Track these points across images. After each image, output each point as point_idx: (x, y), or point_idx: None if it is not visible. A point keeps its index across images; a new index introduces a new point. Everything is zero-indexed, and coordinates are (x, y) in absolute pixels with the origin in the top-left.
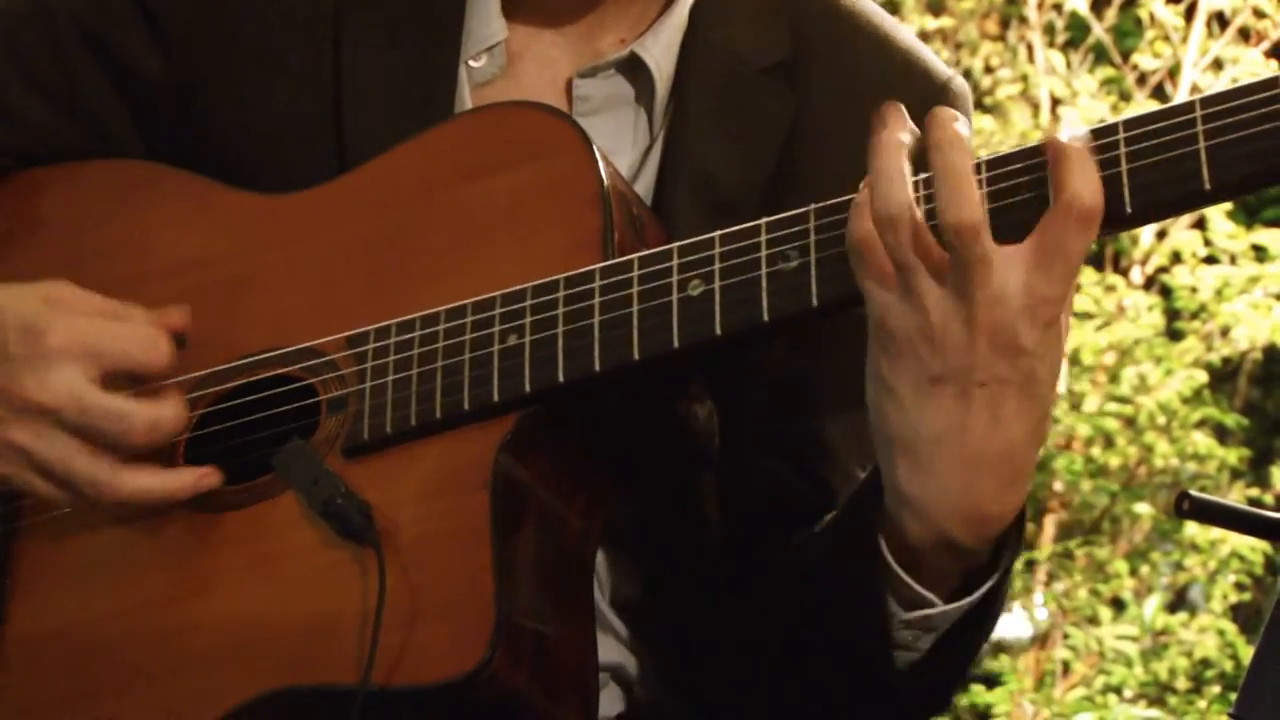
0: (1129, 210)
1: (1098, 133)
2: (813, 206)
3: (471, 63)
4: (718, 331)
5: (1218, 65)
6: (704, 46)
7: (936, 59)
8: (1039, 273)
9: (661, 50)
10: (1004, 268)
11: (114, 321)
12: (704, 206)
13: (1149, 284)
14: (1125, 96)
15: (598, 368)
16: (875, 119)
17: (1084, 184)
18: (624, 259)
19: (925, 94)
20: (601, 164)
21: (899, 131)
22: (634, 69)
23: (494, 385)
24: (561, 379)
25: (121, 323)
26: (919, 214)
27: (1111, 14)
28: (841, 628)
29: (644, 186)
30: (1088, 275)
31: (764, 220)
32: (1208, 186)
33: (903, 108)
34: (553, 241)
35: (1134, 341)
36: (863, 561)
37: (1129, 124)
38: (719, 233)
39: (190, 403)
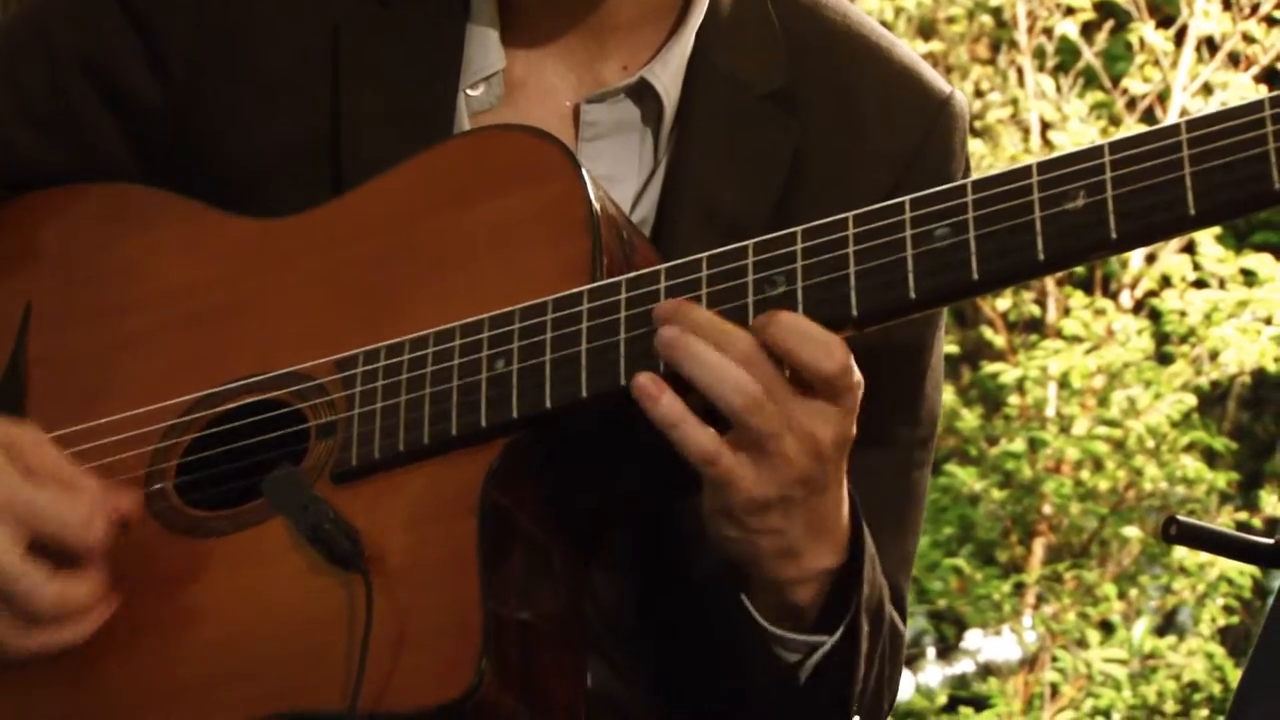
0: (1114, 237)
1: (1083, 155)
2: (800, 228)
3: (470, 91)
4: None
5: (1207, 90)
6: (708, 72)
7: (936, 76)
8: (831, 399)
9: (670, 77)
10: (808, 400)
11: (58, 493)
12: (708, 232)
13: (1138, 308)
14: (1115, 121)
15: (585, 394)
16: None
17: (814, 357)
18: (612, 281)
19: (925, 111)
20: (591, 187)
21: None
22: (642, 95)
23: (482, 413)
24: (549, 405)
25: (65, 497)
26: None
27: (1102, 38)
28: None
29: (647, 211)
30: (1077, 299)
31: (751, 242)
32: (1192, 212)
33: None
34: (542, 265)
35: (1123, 365)
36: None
37: (1115, 146)
38: (706, 254)
39: (181, 427)
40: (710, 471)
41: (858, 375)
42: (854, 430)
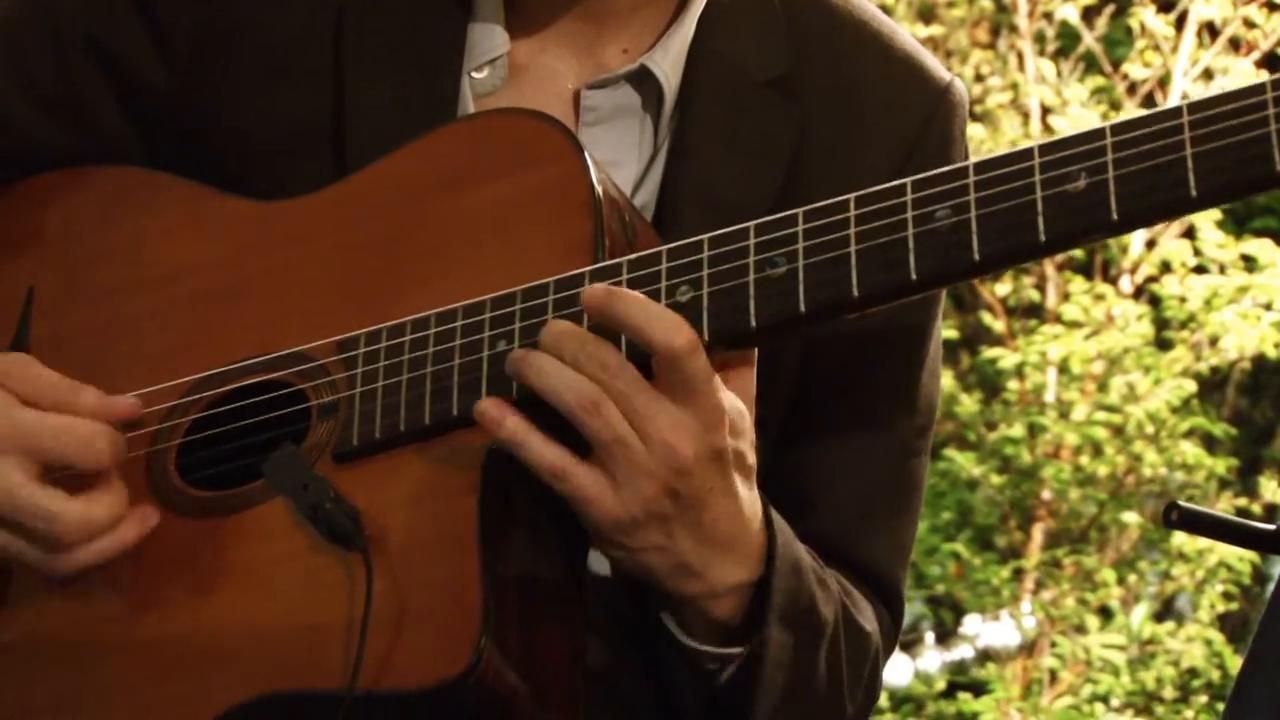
0: (1115, 217)
1: (1085, 136)
2: (801, 210)
3: (474, 74)
4: (705, 338)
5: (1208, 75)
6: (709, 59)
7: (937, 63)
8: (689, 402)
9: (671, 63)
10: (664, 408)
11: (56, 415)
12: (708, 218)
13: (1138, 293)
14: (1115, 105)
15: None
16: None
17: (661, 330)
18: (613, 262)
19: (925, 98)
20: (593, 169)
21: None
22: (642, 80)
23: (483, 392)
24: None
25: (65, 416)
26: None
27: (1102, 23)
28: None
29: (648, 197)
30: (1077, 284)
31: (752, 223)
32: (1194, 193)
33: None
34: (544, 247)
35: (1123, 350)
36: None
37: (1116, 129)
38: (707, 235)
39: (182, 408)
40: (561, 488)
41: (721, 391)
42: (726, 444)
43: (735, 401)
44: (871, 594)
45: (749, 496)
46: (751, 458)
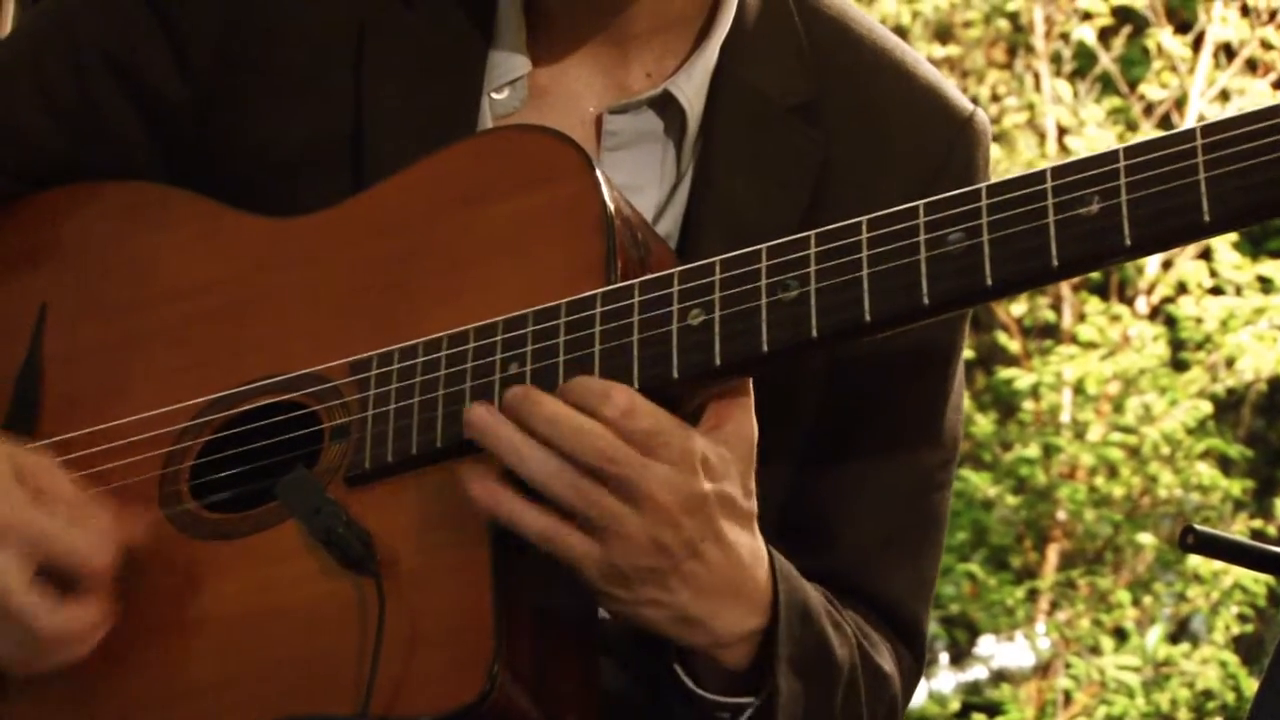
0: (1128, 243)
1: (1098, 159)
2: (814, 232)
3: (494, 94)
4: (717, 362)
5: (1225, 96)
6: (733, 85)
7: (959, 94)
8: (661, 450)
9: (694, 88)
10: (647, 465)
11: (68, 518)
12: (732, 245)
13: (1154, 314)
14: (1132, 126)
15: None
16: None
17: (595, 403)
18: (625, 284)
19: (948, 127)
20: (605, 188)
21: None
22: (665, 105)
23: None
24: None
25: (75, 522)
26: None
27: (1119, 44)
28: None
29: (671, 224)
30: (1093, 304)
31: (764, 246)
32: (1207, 219)
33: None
34: (556, 266)
35: (1139, 371)
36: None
37: (1129, 152)
38: (719, 258)
39: (195, 429)
40: (551, 549)
41: (690, 438)
42: (706, 487)
43: (712, 446)
44: (892, 633)
45: (750, 543)
46: (746, 502)
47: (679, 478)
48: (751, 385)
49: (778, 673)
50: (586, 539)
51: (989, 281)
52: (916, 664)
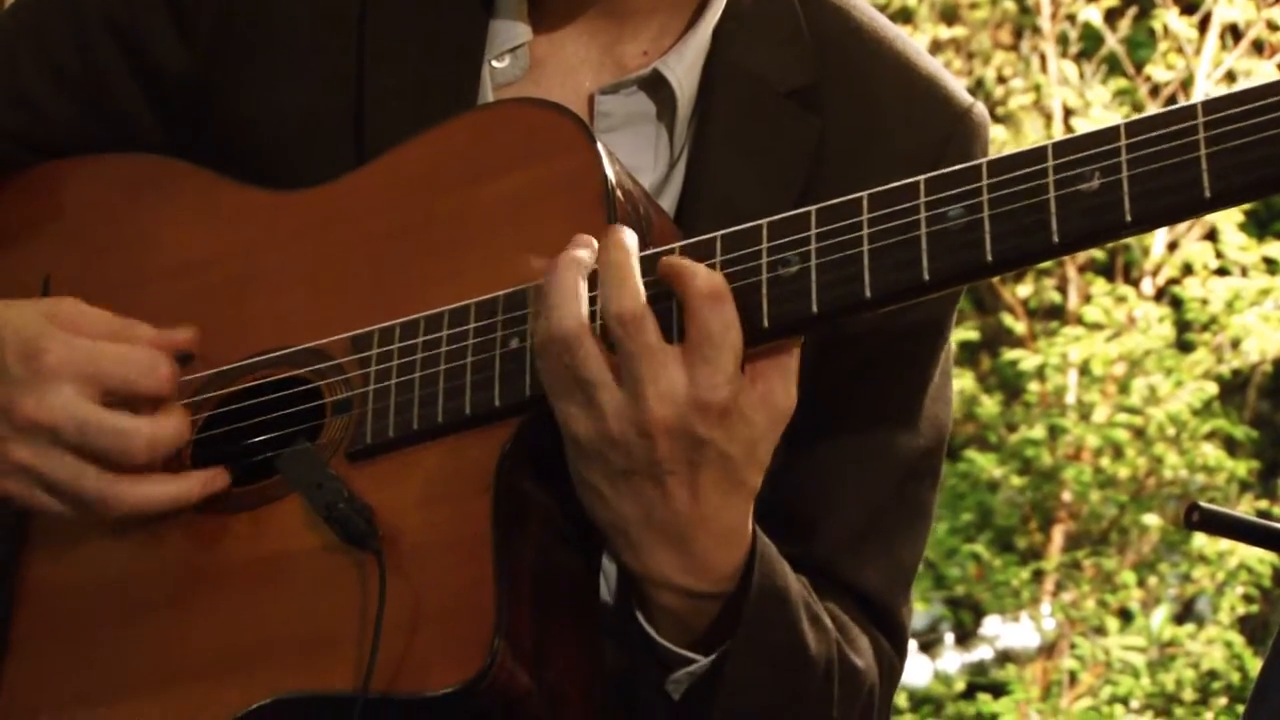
0: (1129, 219)
1: (1099, 136)
2: (814, 208)
3: (495, 63)
4: None
5: (1230, 77)
6: (726, 68)
7: (959, 86)
8: (700, 366)
9: (685, 69)
10: (668, 364)
11: (115, 343)
12: (726, 227)
13: (1160, 295)
14: (1138, 107)
15: None
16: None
17: (696, 267)
18: None
19: (946, 118)
20: (607, 161)
21: (577, 249)
22: (656, 87)
23: (495, 390)
24: None
25: (122, 344)
26: (593, 333)
27: (1125, 25)
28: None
29: (666, 206)
30: (1098, 285)
31: (765, 221)
32: (1208, 195)
33: (587, 236)
34: (558, 240)
35: (1144, 353)
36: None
37: (1130, 128)
38: (720, 233)
39: (196, 405)
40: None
41: (726, 376)
42: (701, 430)
43: (742, 400)
44: (869, 622)
45: (728, 516)
46: (744, 471)
47: (683, 405)
48: (798, 353)
49: (737, 646)
50: (584, 409)
51: (989, 258)
52: (896, 652)
